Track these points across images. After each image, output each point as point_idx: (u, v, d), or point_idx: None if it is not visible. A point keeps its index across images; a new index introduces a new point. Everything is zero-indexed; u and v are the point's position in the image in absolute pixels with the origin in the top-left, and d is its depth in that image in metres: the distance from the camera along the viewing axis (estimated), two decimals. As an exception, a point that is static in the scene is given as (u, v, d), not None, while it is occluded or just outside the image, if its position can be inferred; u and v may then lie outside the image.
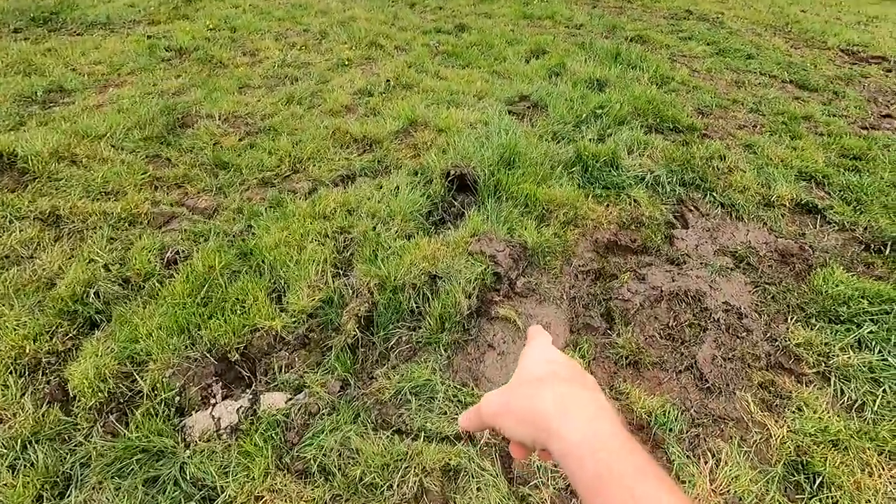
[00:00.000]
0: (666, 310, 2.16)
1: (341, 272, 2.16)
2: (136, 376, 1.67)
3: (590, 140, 3.28)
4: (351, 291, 2.04)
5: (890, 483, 1.49)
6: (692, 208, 2.83)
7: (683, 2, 7.54)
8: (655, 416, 1.69)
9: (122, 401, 1.62)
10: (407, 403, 1.71)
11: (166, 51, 4.55)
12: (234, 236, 2.34)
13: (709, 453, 1.60)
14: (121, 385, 1.65)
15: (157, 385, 1.67)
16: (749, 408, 1.75)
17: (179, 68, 4.23)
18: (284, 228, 2.33)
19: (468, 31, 5.64)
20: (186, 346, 1.80)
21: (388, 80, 4.07)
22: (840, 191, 2.97)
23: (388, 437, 1.60)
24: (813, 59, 5.32)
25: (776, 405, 1.75)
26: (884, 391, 1.77)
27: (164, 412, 1.61)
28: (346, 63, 4.54)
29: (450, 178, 2.71)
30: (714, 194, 2.89)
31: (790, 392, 1.78)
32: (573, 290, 2.28)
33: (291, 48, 4.84)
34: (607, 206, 2.73)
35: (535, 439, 0.42)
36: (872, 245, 2.54)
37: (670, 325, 2.08)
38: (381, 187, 2.75)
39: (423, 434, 1.62)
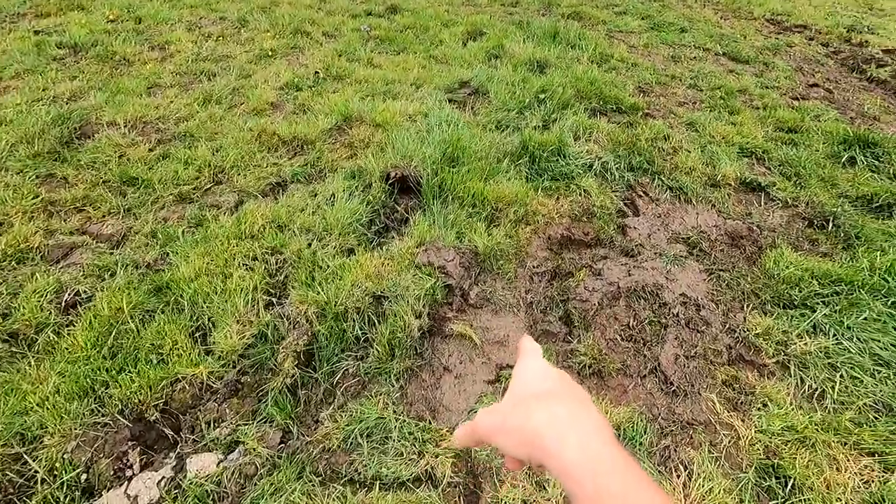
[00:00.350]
0: (625, 308, 2.08)
1: (275, 301, 1.93)
2: (27, 458, 1.40)
3: (534, 128, 3.15)
4: (287, 323, 1.82)
5: (857, 476, 1.47)
6: (642, 194, 2.77)
7: (616, -25, 7.50)
8: (624, 430, 1.61)
9: (10, 492, 1.35)
10: (358, 448, 1.53)
11: (58, 48, 4.00)
12: (146, 267, 2.05)
13: (681, 466, 1.52)
14: (8, 472, 1.37)
15: (56, 465, 1.40)
16: (715, 408, 1.69)
17: (75, 68, 3.72)
18: (206, 254, 2.06)
19: (401, 12, 5.35)
20: (92, 411, 1.53)
21: (317, 72, 3.76)
22: (780, 165, 3.00)
23: (339, 491, 1.43)
24: (742, 30, 5.42)
25: (742, 403, 1.71)
26: (841, 376, 1.76)
27: (66, 498, 1.36)
28: (270, 54, 4.16)
29: (390, 181, 2.50)
30: (662, 178, 2.84)
31: (754, 387, 1.75)
32: (529, 294, 2.15)
33: (207, 39, 4.39)
34: (557, 198, 2.61)
35: (532, 457, 0.43)
36: (815, 221, 2.57)
37: (630, 325, 2.00)
38: (315, 195, 2.51)
39: (378, 482, 1.45)
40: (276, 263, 2.08)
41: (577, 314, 2.05)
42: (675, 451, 1.58)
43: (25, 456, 1.40)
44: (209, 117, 3.17)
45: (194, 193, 2.56)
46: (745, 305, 2.08)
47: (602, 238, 2.48)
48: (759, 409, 1.68)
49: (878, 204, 2.64)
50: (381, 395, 1.67)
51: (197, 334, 1.80)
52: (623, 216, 2.62)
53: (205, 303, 1.87)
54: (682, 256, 2.34)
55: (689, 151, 3.05)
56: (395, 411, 1.62)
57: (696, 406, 1.71)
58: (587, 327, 1.99)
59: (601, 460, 0.40)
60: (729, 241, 2.45)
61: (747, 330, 1.95)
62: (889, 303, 1.98)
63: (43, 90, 3.37)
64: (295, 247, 2.11)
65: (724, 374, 1.80)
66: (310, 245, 2.15)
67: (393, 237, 2.30)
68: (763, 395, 1.71)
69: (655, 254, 2.36)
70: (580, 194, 2.67)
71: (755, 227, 2.51)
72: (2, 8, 4.74)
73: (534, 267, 2.28)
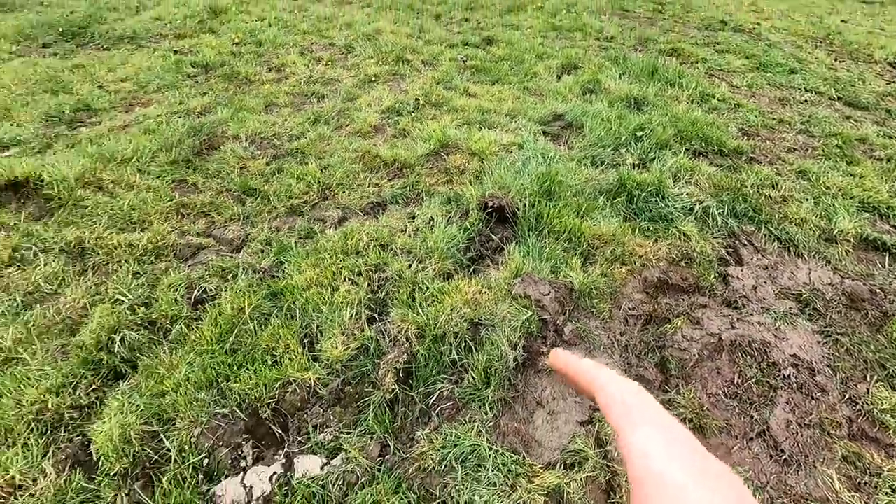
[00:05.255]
0: (728, 363, 1.98)
1: (377, 316, 2.03)
2: (164, 437, 1.56)
3: (631, 165, 3.12)
4: (388, 339, 1.91)
5: None
6: (746, 243, 2.64)
7: (717, 12, 7.30)
8: (728, 495, 1.52)
9: (147, 466, 1.51)
10: (452, 472, 1.56)
11: (192, 67, 4.50)
12: (263, 273, 2.23)
13: (794, 544, 1.42)
14: (147, 447, 1.53)
15: (185, 447, 1.55)
16: (834, 486, 1.56)
17: (205, 85, 4.17)
18: (315, 266, 2.21)
19: (496, 44, 5.51)
20: (216, 401, 1.68)
21: (417, 99, 3.95)
22: (907, 224, 2.75)
23: (432, 512, 1.46)
24: (860, 74, 5.07)
25: (865, 484, 1.57)
26: None
27: (192, 479, 1.49)
28: (373, 79, 4.43)
29: (487, 210, 2.57)
30: (769, 227, 2.69)
31: (880, 468, 1.59)
32: (624, 336, 2.11)
33: (317, 63, 4.76)
34: (655, 240, 2.55)
35: None
36: (952, 289, 2.32)
37: (735, 381, 1.90)
38: (413, 217, 2.62)
39: (471, 510, 1.47)
40: (379, 281, 2.19)
41: (675, 363, 1.98)
42: (787, 526, 1.47)
43: (162, 435, 1.56)
44: (318, 136, 3.42)
45: (304, 207, 2.76)
46: (867, 376, 1.91)
47: (701, 286, 2.38)
48: (887, 493, 1.53)
49: None
50: (474, 421, 1.70)
51: (306, 340, 1.93)
52: (725, 265, 2.51)
53: (314, 312, 2.00)
54: (792, 314, 2.20)
55: (801, 202, 2.88)
56: (488, 440, 1.64)
57: (810, 480, 1.59)
58: (686, 378, 1.92)
59: None
60: (847, 303, 2.27)
61: (871, 403, 1.79)
62: None
63: (179, 104, 3.80)
64: (396, 266, 2.22)
65: (844, 448, 1.66)
66: (410, 266, 2.24)
67: (488, 265, 2.35)
68: (892, 478, 1.56)
69: (762, 308, 2.23)
70: (679, 238, 2.59)
71: (879, 291, 2.31)
72: (149, 30, 5.41)
73: (629, 309, 2.23)
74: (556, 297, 2.14)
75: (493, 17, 6.64)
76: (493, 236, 2.52)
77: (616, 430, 0.35)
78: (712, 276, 2.42)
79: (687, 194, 2.85)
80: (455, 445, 1.61)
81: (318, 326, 1.95)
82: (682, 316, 2.21)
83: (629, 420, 0.34)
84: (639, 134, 3.43)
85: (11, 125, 3.37)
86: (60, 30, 5.20)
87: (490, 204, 2.57)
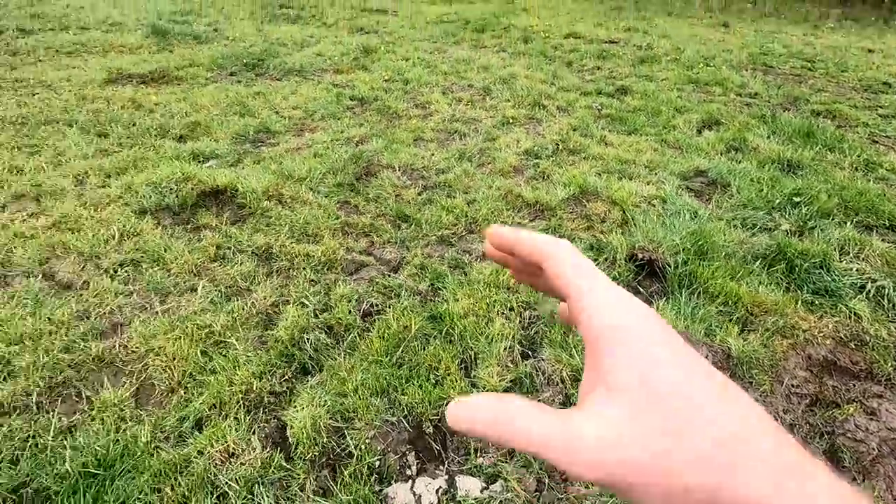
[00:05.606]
0: (917, 465, 1.78)
1: (530, 353, 2.11)
2: (346, 433, 1.74)
3: (787, 232, 2.96)
4: (542, 377, 1.98)
5: None
6: (931, 332, 2.38)
7: (878, 73, 6.73)
8: None
9: (332, 457, 1.70)
10: (608, 522, 1.57)
11: (350, 100, 5.04)
12: (422, 296, 2.42)
13: None
14: (332, 440, 1.72)
15: (362, 446, 1.72)
16: None
17: (362, 117, 4.64)
18: (470, 295, 2.36)
19: (630, 94, 5.53)
20: (386, 409, 1.85)
21: (556, 144, 4.08)
22: None
23: (590, 559, 1.47)
24: None
25: None
26: None
27: (366, 476, 1.65)
28: (511, 121, 4.66)
29: (636, 262, 2.58)
30: (961, 319, 2.41)
31: None
32: (788, 414, 1.99)
33: (458, 103, 5.10)
34: (821, 316, 2.39)
35: None
36: None
37: (928, 488, 1.71)
38: (558, 260, 2.70)
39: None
40: (530, 318, 2.28)
41: (850, 454, 1.82)
42: None
43: (345, 431, 1.75)
44: (463, 172, 3.65)
45: (452, 238, 2.96)
46: None
47: (876, 373, 2.18)
48: None
49: None
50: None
51: (463, 366, 2.06)
52: (905, 353, 2.27)
53: (471, 339, 2.13)
54: None
55: None
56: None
57: None
58: (865, 473, 1.76)
59: None
60: None
61: None
62: None
63: (341, 132, 4.27)
64: (547, 307, 2.30)
65: None
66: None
67: (636, 318, 2.34)
68: None
69: (956, 410, 1.99)
70: (848, 317, 2.40)
71: None
72: (313, 64, 6.16)
73: (792, 386, 2.10)
74: (712, 361, 2.08)
75: (625, 66, 6.68)
76: (641, 289, 2.52)
77: (569, 293, 0.31)
78: (889, 364, 2.21)
79: (857, 270, 2.64)
80: (612, 496, 1.62)
81: (475, 354, 2.08)
82: (855, 403, 2.03)
83: (583, 277, 0.31)
84: (796, 199, 3.25)
85: (210, 140, 4.00)
86: (244, 61, 6.09)
87: (640, 256, 2.58)
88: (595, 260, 2.67)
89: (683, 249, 2.58)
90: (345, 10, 10.02)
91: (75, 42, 6.70)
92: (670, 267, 2.54)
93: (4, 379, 1.90)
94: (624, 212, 3.17)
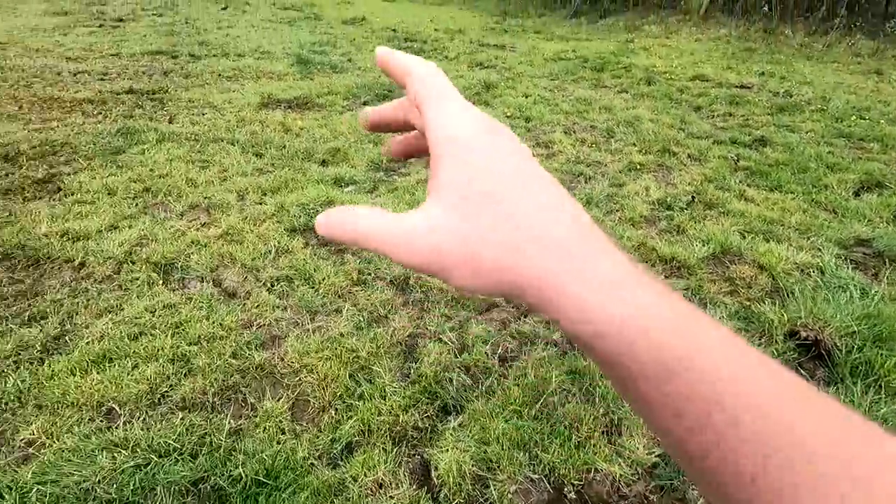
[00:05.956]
0: None
1: (679, 428, 1.98)
2: (490, 483, 1.74)
3: None
4: (695, 458, 1.84)
5: None
6: None
7: None
8: None
9: (476, 507, 1.69)
10: None
11: (474, 134, 5.19)
12: (558, 347, 2.38)
13: None
14: (476, 489, 1.72)
15: (505, 500, 1.70)
16: None
17: (486, 153, 4.76)
18: (610, 354, 2.28)
19: (770, 145, 5.14)
20: (528, 464, 1.82)
21: (693, 197, 3.88)
22: None
23: None
24: None
25: None
26: None
27: (510, 535, 1.62)
28: (638, 167, 4.52)
29: (798, 341, 2.34)
30: None
31: None
32: None
33: (581, 144, 5.06)
34: None
35: (522, 300, 0.29)
36: None
37: None
38: (701, 326, 2.53)
39: None
40: (676, 388, 2.14)
41: None
42: None
43: (489, 481, 1.74)
44: (594, 219, 3.57)
45: (583, 287, 2.89)
46: None
47: None
48: None
49: None
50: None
51: (604, 431, 1.97)
52: None
53: (612, 402, 2.05)
54: None
55: None
56: None
57: None
58: None
59: (659, 311, 0.27)
60: None
61: None
62: None
63: (467, 167, 4.39)
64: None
65: None
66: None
67: (799, 404, 2.12)
68: None
69: None
70: None
71: None
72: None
73: None
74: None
75: (761, 115, 6.24)
76: (803, 371, 2.28)
77: (421, 108, 0.33)
78: None
79: None
80: None
81: (618, 419, 1.99)
82: None
83: (436, 94, 0.33)
84: None
85: (349, 167, 4.31)
86: (375, 91, 6.54)
87: (803, 335, 2.34)
88: (744, 332, 2.47)
89: (860, 333, 2.30)
90: (464, 44, 10.45)
91: (234, 67, 7.62)
92: (840, 351, 2.28)
93: (185, 375, 2.14)
94: (774, 278, 2.91)
